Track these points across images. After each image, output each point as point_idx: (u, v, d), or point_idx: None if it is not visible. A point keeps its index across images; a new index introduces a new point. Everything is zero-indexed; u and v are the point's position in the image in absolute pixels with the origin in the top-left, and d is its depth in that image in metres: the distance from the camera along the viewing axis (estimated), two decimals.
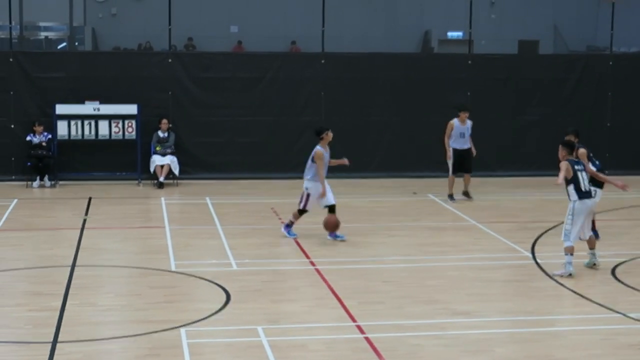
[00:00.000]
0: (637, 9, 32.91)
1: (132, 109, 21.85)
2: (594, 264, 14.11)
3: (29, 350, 10.51)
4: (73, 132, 21.76)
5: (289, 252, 15.43)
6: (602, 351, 10.66)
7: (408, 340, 10.87)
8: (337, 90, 22.97)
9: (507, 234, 16.76)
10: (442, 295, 12.84)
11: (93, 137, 21.86)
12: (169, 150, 21.84)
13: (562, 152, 13.95)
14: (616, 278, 13.77)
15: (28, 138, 21.47)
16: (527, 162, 23.45)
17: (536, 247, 15.74)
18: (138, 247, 15.86)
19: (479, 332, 11.29)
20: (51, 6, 35.15)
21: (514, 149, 23.52)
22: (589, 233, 14.00)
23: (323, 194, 15.81)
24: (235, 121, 22.74)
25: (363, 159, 22.31)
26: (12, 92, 21.93)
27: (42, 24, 36.70)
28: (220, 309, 12.03)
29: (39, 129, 21.42)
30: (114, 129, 21.89)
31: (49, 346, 10.53)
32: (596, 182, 15.65)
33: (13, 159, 21.93)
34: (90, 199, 20.04)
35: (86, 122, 21.76)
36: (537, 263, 14.70)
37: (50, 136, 21.55)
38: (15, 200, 19.77)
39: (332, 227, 15.94)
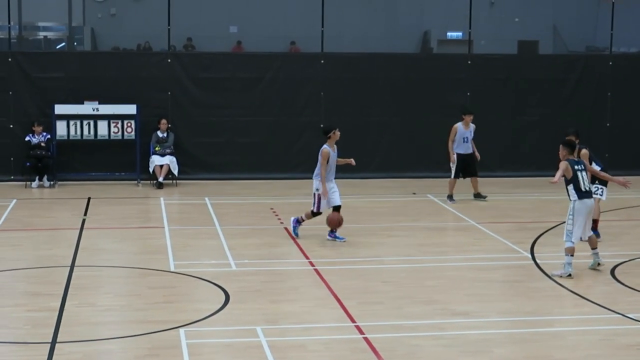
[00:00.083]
0: (637, 10, 32.88)
1: (131, 109, 21.85)
2: (598, 264, 14.06)
3: (28, 351, 10.50)
4: (72, 132, 21.75)
5: (288, 252, 15.43)
6: (601, 351, 10.66)
7: (407, 341, 10.87)
8: (337, 91, 22.97)
9: (506, 234, 16.76)
10: (441, 296, 12.84)
11: (92, 137, 21.86)
12: (168, 151, 21.84)
13: (562, 151, 13.94)
14: (615, 278, 13.77)
15: (27, 138, 21.47)
16: (526, 162, 23.46)
17: (535, 248, 15.74)
18: (137, 248, 15.85)
19: (478, 333, 11.29)
20: (50, 6, 35.13)
21: (514, 149, 23.51)
22: (588, 233, 13.99)
23: (325, 194, 15.75)
24: (235, 121, 22.73)
25: (362, 159, 22.12)
26: (11, 92, 21.93)
27: (41, 24, 36.67)
28: (220, 310, 12.03)
29: (38, 129, 21.42)
30: (113, 129, 21.88)
31: (48, 346, 10.53)
32: (601, 181, 15.67)
33: (12, 159, 21.93)
34: (89, 199, 20.04)
35: (85, 122, 21.76)
36: (536, 263, 14.69)
37: (49, 136, 21.55)
38: (15, 201, 19.77)
39: (335, 224, 15.88)
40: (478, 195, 20.23)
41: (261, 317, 11.73)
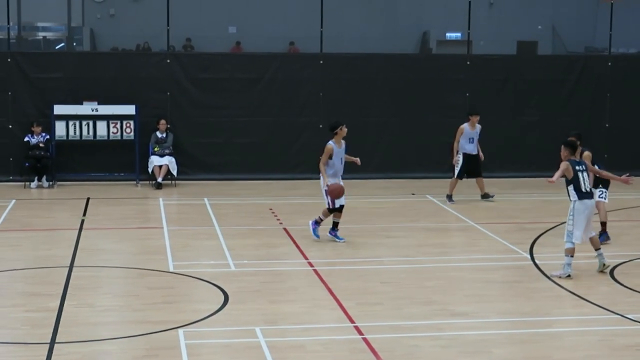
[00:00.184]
0: (636, 10, 32.92)
1: (130, 109, 21.84)
2: (604, 264, 14.01)
3: (27, 351, 10.50)
4: (71, 133, 21.74)
5: (287, 252, 15.42)
6: (600, 352, 10.66)
7: (406, 341, 10.87)
8: (336, 91, 22.96)
9: (505, 235, 16.75)
10: (440, 296, 12.84)
11: (91, 138, 21.85)
12: (167, 151, 21.83)
13: (564, 152, 13.90)
14: (614, 279, 13.77)
15: (26, 139, 21.46)
16: (525, 162, 23.44)
17: (534, 248, 15.74)
18: (136, 248, 15.85)
19: (477, 333, 11.29)
20: (49, 6, 35.15)
21: (513, 149, 23.49)
22: (590, 234, 13.93)
23: (325, 183, 15.63)
24: (234, 122, 22.72)
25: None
26: (10, 93, 21.92)
27: (40, 24, 36.68)
28: (218, 310, 12.02)
29: (37, 129, 21.41)
30: (112, 130, 21.87)
31: (47, 347, 10.53)
32: (605, 183, 15.64)
33: (11, 159, 21.91)
34: (88, 199, 20.03)
35: (84, 122, 21.75)
36: (535, 264, 14.69)
37: (48, 137, 21.54)
38: (13, 201, 19.76)
39: (336, 194, 15.65)
40: (486, 196, 20.23)
41: (260, 318, 11.73)
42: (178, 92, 22.56)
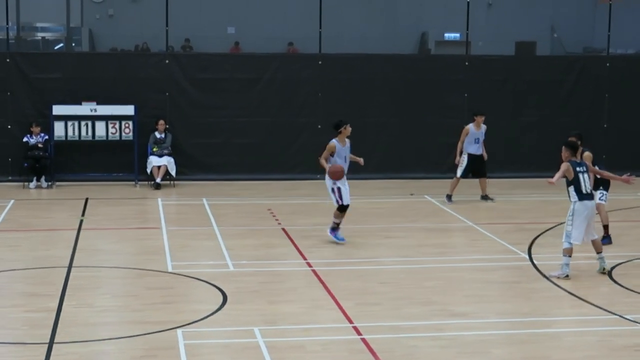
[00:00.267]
0: (634, 11, 32.93)
1: (129, 109, 21.84)
2: (604, 269, 14.01)
3: (26, 351, 10.50)
4: (70, 133, 21.74)
5: (286, 253, 15.42)
6: (599, 353, 10.67)
7: (405, 342, 10.87)
8: (335, 92, 22.97)
9: (504, 235, 16.76)
10: (439, 297, 12.84)
11: (90, 138, 21.85)
12: (165, 151, 21.83)
13: (565, 153, 13.88)
14: (613, 280, 13.77)
15: (25, 139, 21.45)
16: (524, 163, 23.45)
17: (533, 249, 15.74)
18: (135, 248, 15.85)
19: (476, 334, 11.29)
20: (48, 7, 35.16)
21: (511, 150, 23.50)
22: (591, 236, 13.90)
23: (326, 167, 15.58)
24: (233, 122, 22.72)
25: None
26: (9, 93, 21.91)
27: (39, 24, 36.68)
28: (217, 310, 12.03)
29: (36, 129, 21.41)
30: (110, 130, 21.87)
31: (46, 347, 10.53)
32: (605, 185, 15.62)
33: (10, 159, 21.91)
34: (87, 199, 20.03)
35: (83, 123, 21.75)
36: (534, 264, 14.69)
37: (47, 137, 21.54)
38: (12, 201, 19.76)
39: (337, 176, 15.62)
40: (486, 197, 20.24)
41: (259, 318, 11.73)
42: (177, 93, 22.56)
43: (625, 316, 11.92)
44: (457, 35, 34.46)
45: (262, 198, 20.50)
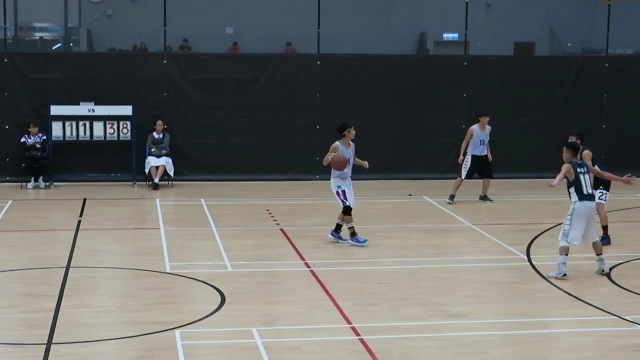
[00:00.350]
0: (633, 12, 32.94)
1: (127, 110, 21.83)
2: (603, 270, 14.00)
3: (24, 352, 10.48)
4: (68, 133, 21.73)
5: (284, 253, 15.41)
6: (597, 353, 10.66)
7: (402, 342, 10.86)
8: (333, 92, 22.96)
9: (502, 236, 16.75)
10: (437, 297, 12.83)
11: (88, 138, 21.84)
12: (164, 152, 21.81)
13: (566, 154, 13.85)
14: (611, 280, 13.76)
15: (22, 139, 21.44)
16: (522, 163, 23.44)
17: (531, 249, 15.74)
18: (133, 249, 15.83)
19: (474, 334, 11.28)
20: (46, 7, 35.16)
21: (510, 150, 23.48)
22: (593, 238, 13.89)
23: (326, 160, 15.55)
24: (231, 122, 22.71)
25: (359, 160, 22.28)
26: (6, 93, 21.90)
27: (37, 24, 36.69)
28: (215, 311, 12.01)
29: (33, 130, 21.40)
30: (108, 130, 21.86)
31: (43, 347, 10.51)
32: (605, 184, 15.61)
33: (8, 160, 21.90)
34: (85, 200, 20.02)
35: (81, 123, 21.74)
36: (532, 265, 14.68)
37: (44, 137, 21.52)
38: (10, 202, 19.74)
39: (339, 166, 15.61)
40: (484, 198, 20.24)
41: (257, 319, 11.72)
42: (175, 93, 22.55)
43: (624, 317, 11.91)
44: (456, 35, 34.49)
45: (260, 198, 20.49)
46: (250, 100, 22.77)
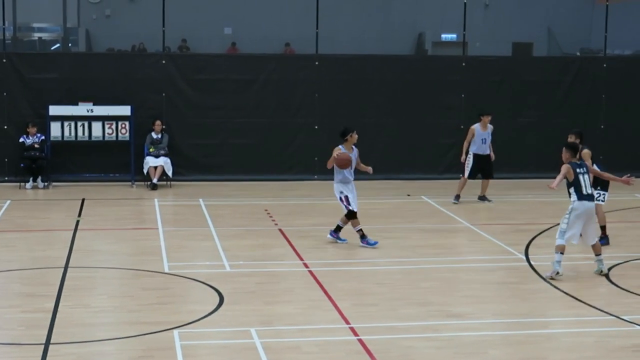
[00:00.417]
0: (631, 12, 32.96)
1: (125, 110, 21.82)
2: (602, 271, 13.99)
3: (22, 352, 10.48)
4: (66, 134, 21.72)
5: (282, 253, 15.41)
6: (596, 353, 10.66)
7: (401, 342, 10.86)
8: (331, 92, 22.95)
9: (501, 236, 16.75)
10: (435, 297, 12.83)
11: (86, 139, 21.83)
12: (162, 152, 21.81)
13: (565, 154, 13.85)
14: (610, 280, 13.76)
15: (21, 139, 21.43)
16: (521, 164, 23.42)
17: (530, 249, 15.74)
18: (131, 249, 15.83)
19: (473, 334, 11.28)
20: (45, 7, 35.18)
21: (509, 151, 23.45)
22: (592, 240, 13.88)
23: (331, 162, 15.57)
24: (229, 123, 22.70)
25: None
26: (5, 93, 21.88)
27: (35, 25, 36.71)
28: (214, 311, 12.01)
29: (32, 130, 21.38)
30: (107, 131, 21.85)
31: (42, 347, 10.51)
32: (603, 185, 15.60)
33: (6, 160, 21.89)
34: (83, 200, 20.01)
35: (79, 123, 21.73)
36: (530, 265, 14.69)
37: (43, 137, 21.51)
38: (9, 202, 19.73)
39: (344, 164, 15.63)
40: (483, 198, 20.24)
41: (255, 319, 11.72)
42: (173, 93, 22.54)
43: (623, 317, 11.91)
44: (454, 36, 34.53)
45: (259, 199, 20.48)
46: (249, 101, 22.76)
